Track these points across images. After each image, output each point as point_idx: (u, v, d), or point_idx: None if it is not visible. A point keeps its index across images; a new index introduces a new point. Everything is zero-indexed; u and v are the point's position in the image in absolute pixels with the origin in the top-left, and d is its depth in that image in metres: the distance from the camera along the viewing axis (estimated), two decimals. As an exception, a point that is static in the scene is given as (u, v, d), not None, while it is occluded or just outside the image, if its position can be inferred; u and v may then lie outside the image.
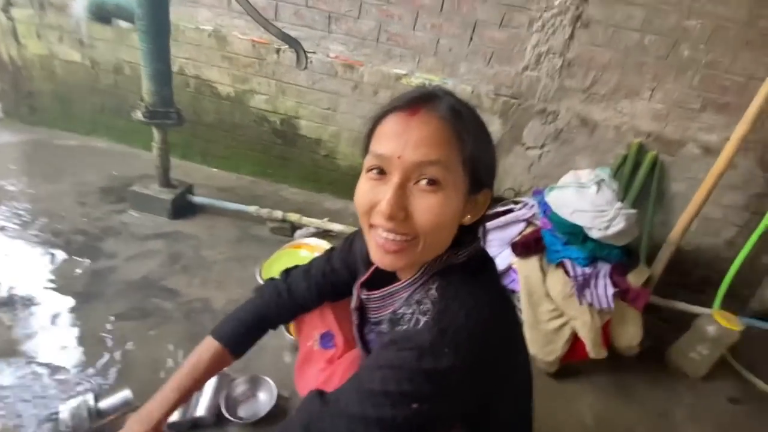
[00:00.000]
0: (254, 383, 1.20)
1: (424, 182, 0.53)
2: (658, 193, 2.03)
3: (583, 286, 1.36)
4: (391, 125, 0.56)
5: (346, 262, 0.83)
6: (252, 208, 1.99)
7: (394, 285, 0.66)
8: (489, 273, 0.65)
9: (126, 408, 1.06)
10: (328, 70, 2.19)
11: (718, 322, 1.53)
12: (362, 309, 0.75)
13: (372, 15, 2.05)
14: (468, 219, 0.60)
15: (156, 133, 1.84)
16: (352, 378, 0.56)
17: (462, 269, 0.61)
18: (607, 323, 1.43)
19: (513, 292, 1.55)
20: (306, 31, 2.13)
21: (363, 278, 0.75)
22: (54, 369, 1.19)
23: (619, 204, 1.40)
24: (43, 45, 2.46)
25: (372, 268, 0.75)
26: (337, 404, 0.54)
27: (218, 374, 1.12)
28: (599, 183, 1.44)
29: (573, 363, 1.50)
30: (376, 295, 0.69)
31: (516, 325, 0.66)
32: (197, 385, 0.84)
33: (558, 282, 1.40)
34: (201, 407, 1.08)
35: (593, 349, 1.37)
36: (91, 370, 1.20)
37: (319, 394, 0.59)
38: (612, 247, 1.42)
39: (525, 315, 1.46)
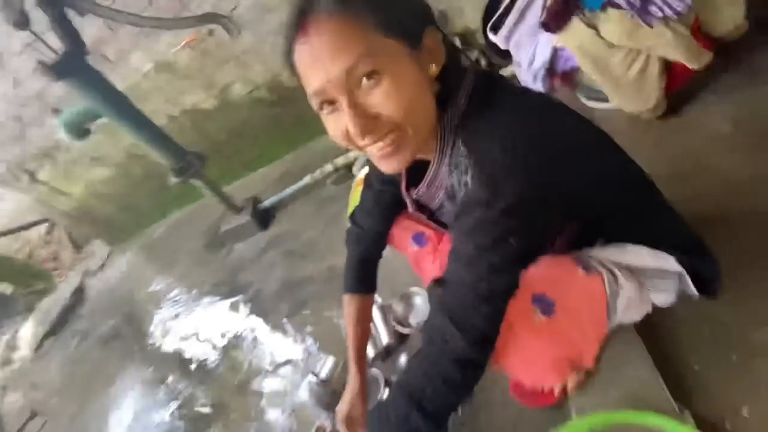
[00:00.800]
0: (407, 297, 1.37)
1: (364, 81, 0.50)
2: None
3: (643, 4, 1.12)
4: (300, 58, 0.52)
5: (383, 181, 0.85)
6: (307, 179, 2.09)
7: (427, 172, 0.66)
8: (500, 92, 0.59)
9: (338, 369, 1.33)
10: (260, 9, 1.99)
11: None
12: (421, 206, 0.77)
13: None
14: (434, 69, 0.55)
15: (195, 182, 1.99)
16: (449, 256, 0.59)
17: (471, 110, 0.58)
18: (696, 22, 1.18)
19: (577, 70, 1.37)
20: (214, -7, 1.93)
21: (403, 185, 0.77)
22: (277, 367, 1.53)
23: None
24: (79, 182, 2.76)
25: (403, 172, 0.75)
26: (452, 281, 0.58)
27: (376, 309, 1.32)
28: None
29: (680, 91, 1.31)
30: (421, 190, 0.71)
31: (560, 117, 0.62)
32: (366, 334, 1.01)
33: (615, 25, 1.17)
34: (383, 337, 1.29)
35: (693, 61, 1.17)
36: (301, 356, 1.52)
37: (435, 282, 0.64)
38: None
39: (600, 83, 1.29)
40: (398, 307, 1.35)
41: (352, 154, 2.01)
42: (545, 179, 0.53)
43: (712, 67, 1.26)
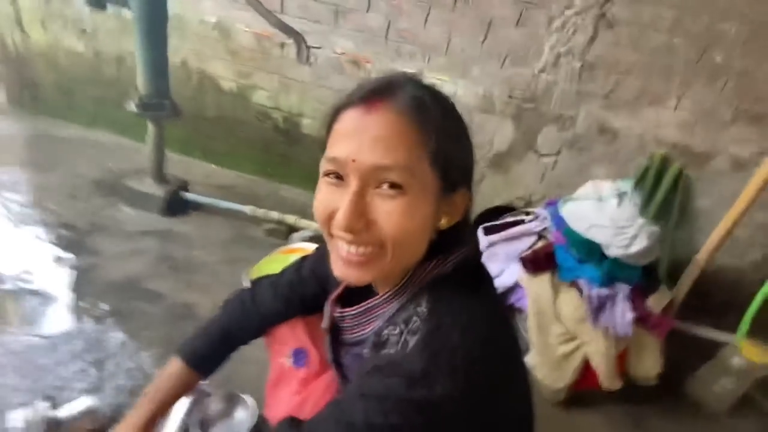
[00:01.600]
0: (231, 401, 1.10)
1: (385, 186, 0.47)
2: (682, 209, 1.88)
3: (598, 309, 1.24)
4: (345, 124, 0.49)
5: (316, 273, 0.75)
6: (248, 208, 1.90)
7: (371, 300, 0.58)
8: (483, 283, 0.56)
9: (89, 417, 0.97)
10: (334, 66, 2.10)
11: (745, 355, 1.38)
12: (335, 329, 0.65)
13: (381, 9, 1.95)
14: (444, 223, 0.53)
15: (150, 126, 1.77)
16: (330, 407, 0.49)
17: (453, 280, 0.53)
18: (624, 351, 1.30)
19: (520, 311, 1.43)
20: (312, 26, 2.03)
21: (335, 293, 0.66)
22: (23, 365, 1.11)
23: (641, 220, 1.28)
24: (47, 34, 2.42)
25: (345, 282, 0.65)
26: None
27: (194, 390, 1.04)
28: (620, 196, 1.31)
29: (583, 391, 1.38)
30: (350, 313, 0.60)
31: (515, 343, 0.58)
32: (164, 408, 0.78)
33: (570, 303, 1.27)
34: (171, 426, 0.98)
35: (607, 380, 1.25)
36: (60, 373, 1.12)
37: (294, 423, 0.53)
38: (632, 267, 1.29)
39: (533, 337, 1.34)
40: (213, 405, 1.07)
41: (304, 222, 1.90)
42: (476, 393, 0.45)
43: (612, 395, 1.35)
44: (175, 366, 0.77)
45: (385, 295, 0.56)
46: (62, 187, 1.96)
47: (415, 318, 0.50)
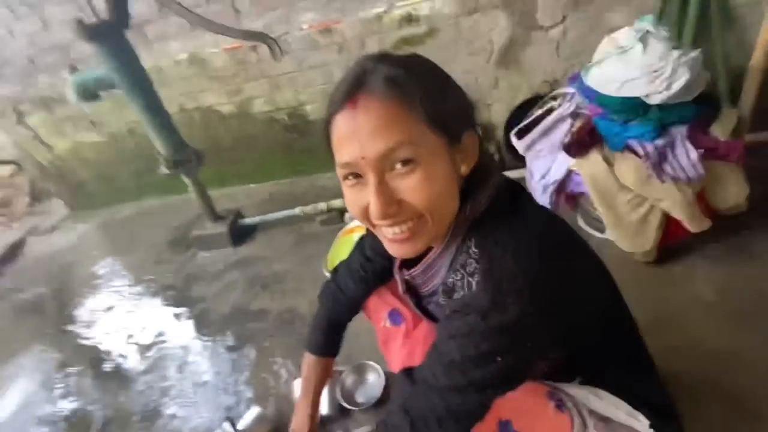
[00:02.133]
0: (361, 370, 1.27)
1: (399, 166, 0.50)
2: (722, 12, 1.65)
3: (660, 161, 1.19)
4: (340, 129, 0.52)
5: (376, 250, 0.83)
6: (296, 210, 2.03)
7: (428, 257, 0.64)
8: (521, 202, 0.59)
9: (262, 423, 1.19)
10: (308, 43, 2.06)
11: None
12: (411, 288, 0.74)
13: (326, -36, 1.85)
14: (464, 169, 0.56)
15: (185, 179, 1.92)
16: (430, 352, 0.57)
17: (491, 213, 0.57)
18: (702, 190, 1.25)
19: (582, 195, 1.42)
20: (271, 15, 2.00)
21: (398, 262, 0.74)
22: (196, 407, 1.37)
23: (676, 53, 1.16)
24: (66, 139, 2.64)
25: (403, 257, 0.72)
26: (426, 381, 0.55)
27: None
28: (643, 38, 1.20)
29: (675, 243, 1.36)
30: (417, 271, 0.68)
31: (571, 241, 0.61)
32: (317, 395, 0.98)
33: (630, 169, 1.23)
34: (323, 407, 1.17)
35: (693, 224, 1.22)
36: (224, 401, 1.36)
37: (407, 373, 0.61)
38: (682, 105, 1.20)
39: (603, 215, 1.33)
40: (348, 379, 1.25)
41: (349, 202, 1.99)
42: (548, 302, 0.51)
43: (707, 234, 1.32)
44: (309, 360, 0.95)
45: (438, 250, 0.62)
46: (148, 258, 2.24)
47: (470, 260, 0.56)
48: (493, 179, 0.59)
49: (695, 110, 1.23)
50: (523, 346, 0.52)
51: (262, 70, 2.17)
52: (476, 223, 0.57)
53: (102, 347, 1.74)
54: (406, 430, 0.54)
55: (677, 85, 1.15)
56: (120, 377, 1.57)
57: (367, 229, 0.87)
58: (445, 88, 0.54)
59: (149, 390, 1.49)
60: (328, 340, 0.95)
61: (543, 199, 1.50)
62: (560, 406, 0.64)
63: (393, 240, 0.55)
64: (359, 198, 0.53)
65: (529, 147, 1.47)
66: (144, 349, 1.66)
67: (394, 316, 0.87)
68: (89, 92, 1.66)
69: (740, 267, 1.33)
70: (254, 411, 1.21)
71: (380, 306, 0.89)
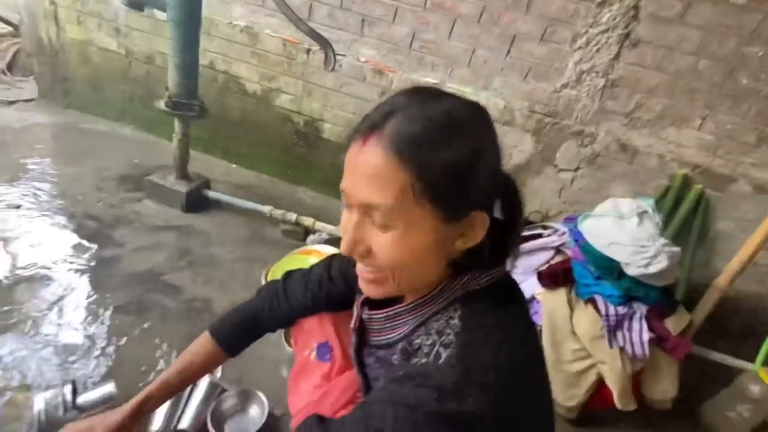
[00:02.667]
0: (245, 397, 1.11)
1: (376, 221, 0.49)
2: (702, 231, 1.86)
3: (615, 327, 1.23)
4: (348, 156, 0.51)
5: (343, 274, 0.77)
6: (266, 208, 1.93)
7: (399, 306, 0.59)
8: (516, 301, 0.58)
9: (107, 404, 1.00)
10: (357, 74, 2.13)
11: (764, 382, 1.36)
12: (362, 330, 0.67)
13: (407, 21, 1.99)
14: (461, 244, 0.52)
15: (177, 124, 1.82)
16: (358, 410, 0.50)
17: (486, 296, 0.54)
18: (639, 372, 1.28)
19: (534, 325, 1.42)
20: (338, 33, 2.08)
21: (361, 297, 0.67)
22: (42, 355, 1.14)
23: (662, 240, 1.27)
24: (82, 31, 2.51)
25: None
26: None
27: (209, 384, 1.05)
28: (641, 215, 1.31)
29: (596, 410, 1.36)
30: (378, 316, 0.62)
31: (543, 364, 0.58)
32: (186, 382, 0.83)
33: (586, 320, 1.26)
34: (186, 418, 1.00)
35: (621, 400, 1.23)
36: (80, 362, 1.14)
37: (319, 419, 0.53)
38: (650, 287, 1.28)
39: (546, 353, 1.33)
40: (228, 401, 1.09)
41: (320, 224, 1.92)
42: (505, 413, 0.46)
43: (627, 415, 1.33)
44: (204, 342, 0.80)
45: (413, 304, 0.57)
46: (89, 179, 2.02)
47: (448, 330, 0.51)
48: (502, 265, 0.57)
49: (658, 297, 1.30)
50: None
51: (304, 73, 2.21)
52: (467, 297, 0.54)
53: (-22, 241, 1.48)
54: None
55: (654, 268, 1.22)
56: (-23, 282, 1.31)
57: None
58: (462, 163, 0.48)
59: (18, 305, 1.24)
60: (240, 335, 0.81)
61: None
62: None
63: (361, 276, 0.54)
64: (345, 223, 0.53)
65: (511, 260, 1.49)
66: (21, 264, 1.42)
67: (323, 351, 0.78)
68: (137, 1, 1.60)
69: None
70: (106, 388, 1.02)
71: (315, 332, 0.80)
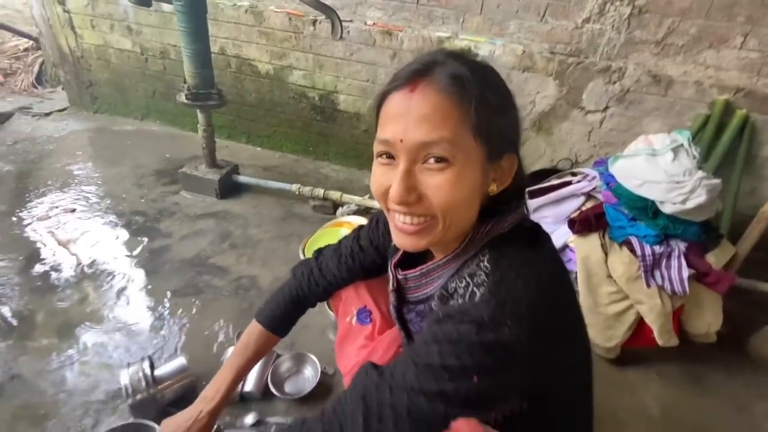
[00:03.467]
0: (299, 360, 1.22)
1: (432, 161, 0.51)
2: (747, 158, 1.74)
3: (652, 267, 1.22)
4: (391, 106, 0.53)
5: (373, 242, 0.81)
6: (294, 187, 2.00)
7: (431, 262, 0.63)
8: (542, 241, 0.59)
9: (181, 375, 1.12)
10: (366, 39, 2.09)
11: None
12: (399, 289, 0.71)
13: (411, -26, 1.90)
14: (494, 188, 0.56)
15: (200, 115, 1.87)
16: (407, 352, 0.54)
17: (512, 239, 0.57)
18: (680, 307, 1.28)
19: (570, 273, 1.43)
20: (342, 1, 2.02)
21: (395, 258, 0.71)
22: (119, 338, 1.28)
23: (700, 173, 1.21)
24: (97, 34, 2.58)
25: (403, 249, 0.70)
26: (394, 378, 0.52)
27: (265, 351, 1.16)
28: (676, 149, 1.25)
29: (637, 349, 1.38)
30: (414, 274, 0.66)
31: (574, 295, 0.61)
32: (250, 365, 0.90)
33: (622, 262, 1.26)
34: (249, 383, 1.11)
35: (662, 337, 1.24)
36: (151, 341, 1.28)
37: (374, 366, 0.58)
38: (689, 223, 1.24)
39: (582, 297, 1.34)
40: (284, 365, 1.19)
41: (347, 197, 1.97)
42: (540, 338, 0.49)
43: (671, 354, 1.34)
44: (255, 328, 0.88)
45: (445, 258, 0.60)
46: (129, 177, 2.15)
47: (479, 272, 0.54)
48: (520, 209, 0.59)
49: (699, 232, 1.27)
50: (502, 374, 0.49)
51: (313, 46, 2.18)
52: (493, 242, 0.57)
53: (41, 246, 1.63)
54: (357, 419, 0.51)
55: (692, 203, 1.18)
56: (49, 282, 1.47)
57: (369, 221, 0.85)
58: (502, 103, 0.54)
59: (72, 304, 1.39)
60: (284, 316, 0.88)
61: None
62: None
63: (401, 229, 0.55)
64: (385, 178, 0.54)
65: (536, 209, 1.48)
66: (85, 262, 1.57)
67: (363, 315, 0.83)
68: (144, -3, 1.63)
69: (690, 395, 1.34)
70: (178, 361, 1.14)
71: (353, 300, 0.86)
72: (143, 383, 1.05)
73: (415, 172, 0.52)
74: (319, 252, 0.89)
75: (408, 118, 0.50)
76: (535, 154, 2.12)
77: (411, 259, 0.67)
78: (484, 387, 0.48)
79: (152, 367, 1.10)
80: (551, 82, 1.93)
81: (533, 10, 1.83)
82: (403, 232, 0.55)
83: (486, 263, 0.54)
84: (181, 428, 0.79)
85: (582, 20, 1.79)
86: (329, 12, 1.59)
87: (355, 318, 0.83)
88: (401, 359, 0.53)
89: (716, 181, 1.23)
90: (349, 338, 0.84)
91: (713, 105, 1.75)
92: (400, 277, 0.69)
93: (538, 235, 0.60)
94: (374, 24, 2.05)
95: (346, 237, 0.86)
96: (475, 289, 0.53)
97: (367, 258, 0.81)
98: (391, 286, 0.72)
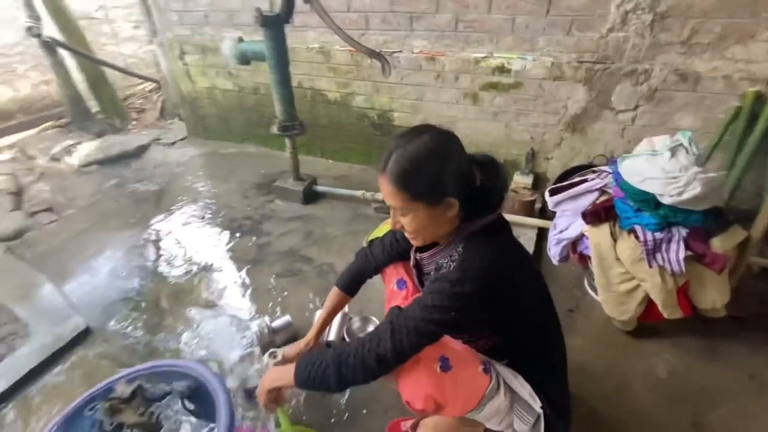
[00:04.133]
0: (365, 321, 1.66)
1: (398, 212, 0.91)
2: (781, 147, 1.80)
3: (653, 250, 1.43)
4: (379, 181, 0.92)
5: (403, 237, 1.19)
6: (359, 193, 2.46)
7: (434, 249, 1.02)
8: (501, 233, 0.95)
9: (289, 327, 1.63)
10: (413, 65, 2.47)
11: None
12: (418, 266, 1.11)
13: (448, 8, 2.24)
14: (450, 212, 0.89)
15: (287, 142, 2.43)
16: (416, 299, 0.93)
17: (480, 233, 0.92)
18: (686, 285, 1.47)
19: (588, 257, 1.68)
20: (392, 34, 2.43)
21: (414, 248, 1.11)
22: (247, 304, 1.85)
23: (696, 169, 1.40)
24: (207, 79, 3.31)
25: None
26: (408, 311, 0.91)
27: (342, 314, 1.62)
28: (674, 149, 1.44)
29: (653, 323, 1.59)
30: (426, 256, 1.05)
31: (523, 268, 0.96)
32: (331, 317, 1.37)
33: (628, 247, 1.49)
34: (332, 334, 1.58)
35: (665, 310, 1.45)
36: (267, 305, 1.83)
37: (398, 307, 0.97)
38: (690, 211, 1.43)
39: (597, 278, 1.59)
40: (356, 323, 1.65)
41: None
42: (491, 292, 0.86)
43: (686, 327, 1.53)
44: (333, 292, 1.34)
45: (441, 246, 0.99)
46: (236, 191, 2.81)
47: (455, 255, 0.93)
48: (492, 215, 0.94)
49: (701, 219, 1.45)
50: (468, 312, 0.87)
51: (371, 75, 2.63)
52: (468, 235, 0.93)
53: (177, 243, 2.29)
54: (387, 333, 0.90)
55: (687, 195, 1.38)
56: (181, 271, 2.10)
57: None
58: (433, 174, 0.85)
59: (207, 283, 2.00)
60: (352, 282, 1.32)
61: (556, 249, 1.78)
62: (486, 369, 0.97)
63: (407, 236, 0.97)
64: (391, 215, 0.96)
65: (557, 204, 1.75)
66: (210, 261, 2.19)
67: (401, 283, 1.24)
68: (245, 58, 2.20)
69: (701, 363, 1.53)
70: (285, 318, 1.66)
71: (394, 274, 1.27)
72: (266, 331, 1.58)
73: (398, 215, 0.92)
74: (371, 243, 1.32)
75: (383, 192, 0.90)
76: (572, 152, 2.33)
77: (424, 248, 1.06)
78: (457, 318, 0.86)
79: (270, 323, 1.63)
80: (581, 88, 2.14)
81: (560, 26, 2.06)
82: (408, 237, 0.97)
83: (460, 249, 0.92)
84: (293, 349, 1.28)
85: (606, 30, 1.98)
86: (379, 57, 2.01)
87: (395, 285, 1.24)
88: (414, 303, 0.92)
89: (714, 174, 1.40)
90: (393, 299, 1.24)
91: (744, 97, 1.83)
92: (417, 257, 1.09)
93: (500, 230, 0.95)
94: (420, 52, 2.42)
95: (388, 232, 1.27)
96: (452, 263, 0.92)
97: (401, 247, 1.21)
98: (411, 262, 1.12)
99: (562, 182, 1.83)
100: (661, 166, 1.44)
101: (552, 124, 2.29)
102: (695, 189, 1.38)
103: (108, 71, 3.96)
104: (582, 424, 1.24)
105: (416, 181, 0.86)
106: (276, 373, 1.04)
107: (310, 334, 1.33)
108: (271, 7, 2.04)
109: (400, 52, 2.47)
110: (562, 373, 1.08)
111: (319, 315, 1.37)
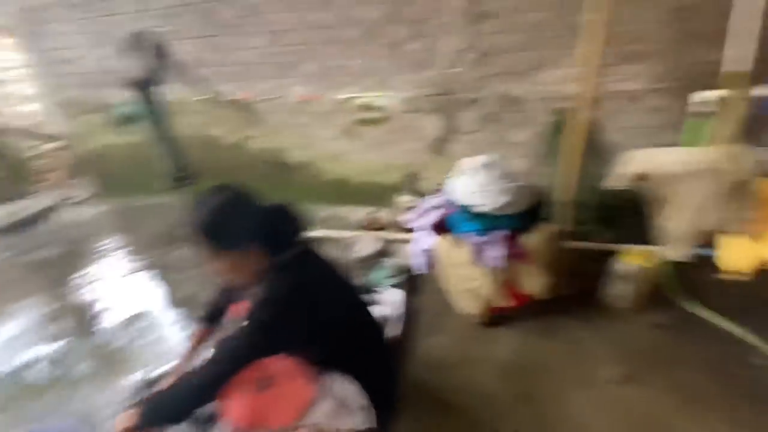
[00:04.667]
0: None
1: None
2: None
3: (479, 252, 1.71)
4: None
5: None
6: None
7: (253, 284, 1.19)
8: (298, 264, 1.12)
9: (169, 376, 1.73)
10: (296, 108, 2.71)
11: (624, 261, 1.76)
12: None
13: (318, 57, 2.51)
14: (254, 256, 1.09)
15: (183, 191, 2.55)
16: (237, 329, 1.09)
17: (282, 267, 1.11)
18: (515, 278, 1.76)
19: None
20: (271, 82, 2.67)
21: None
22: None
23: (502, 182, 1.71)
24: (105, 137, 3.35)
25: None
26: (226, 342, 1.09)
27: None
28: (484, 166, 1.75)
29: (502, 313, 1.85)
30: (248, 291, 1.22)
31: (325, 283, 1.16)
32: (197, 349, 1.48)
33: (462, 252, 1.76)
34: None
35: (496, 300, 1.73)
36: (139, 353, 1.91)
37: (224, 338, 1.14)
38: (506, 216, 1.73)
39: (447, 281, 1.85)
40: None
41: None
42: (287, 318, 1.04)
43: (531, 312, 1.81)
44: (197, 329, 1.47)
45: (256, 281, 1.16)
46: (142, 242, 2.85)
47: (261, 288, 1.10)
48: (293, 251, 1.13)
49: (517, 222, 1.75)
50: (272, 333, 1.04)
51: (261, 119, 2.83)
52: (272, 270, 1.11)
53: (91, 308, 2.32)
54: (209, 363, 1.06)
55: (498, 203, 1.68)
56: (98, 331, 2.14)
57: None
58: (219, 226, 1.03)
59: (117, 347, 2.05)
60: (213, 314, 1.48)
61: (420, 259, 2.04)
62: (311, 380, 1.15)
63: (223, 278, 1.16)
64: None
65: (412, 222, 2.02)
66: (126, 318, 2.24)
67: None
68: (126, 120, 2.33)
69: (541, 341, 1.79)
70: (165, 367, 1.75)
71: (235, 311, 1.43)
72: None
73: (212, 264, 1.09)
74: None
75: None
76: (440, 171, 2.61)
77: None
78: (264, 337, 1.03)
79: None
80: (434, 118, 2.46)
81: (409, 67, 2.39)
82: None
83: (266, 281, 1.10)
84: None
85: (444, 68, 2.33)
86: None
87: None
88: (233, 333, 1.08)
89: (519, 184, 1.72)
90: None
91: (555, 112, 2.23)
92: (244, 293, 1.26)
93: (302, 261, 1.14)
94: (301, 97, 2.67)
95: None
96: (260, 293, 1.08)
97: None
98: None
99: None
100: (475, 182, 1.74)
101: (420, 149, 2.59)
102: (503, 198, 1.68)
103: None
104: (431, 414, 1.45)
105: (219, 235, 1.05)
106: (124, 415, 1.16)
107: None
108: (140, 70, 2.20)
109: (281, 97, 2.70)
110: (387, 369, 1.28)
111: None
